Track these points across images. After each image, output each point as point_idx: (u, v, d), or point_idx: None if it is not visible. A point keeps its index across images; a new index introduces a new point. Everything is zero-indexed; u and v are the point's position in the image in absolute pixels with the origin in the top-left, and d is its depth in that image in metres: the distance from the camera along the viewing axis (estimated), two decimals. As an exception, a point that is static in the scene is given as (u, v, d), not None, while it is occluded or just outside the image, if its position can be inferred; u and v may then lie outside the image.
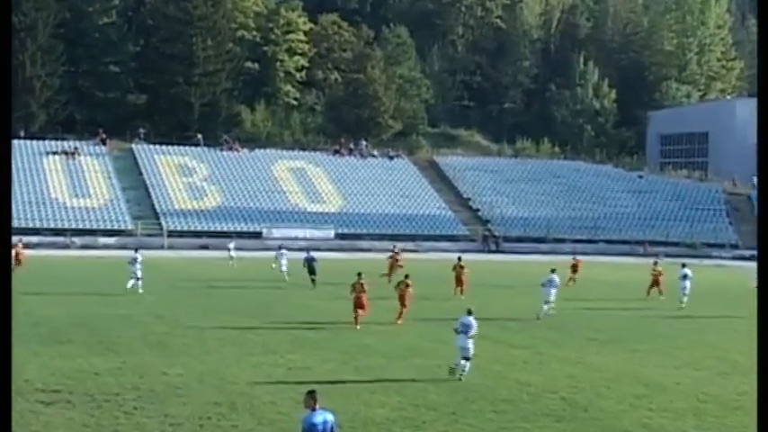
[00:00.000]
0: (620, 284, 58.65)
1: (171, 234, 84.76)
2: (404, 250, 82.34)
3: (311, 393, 14.65)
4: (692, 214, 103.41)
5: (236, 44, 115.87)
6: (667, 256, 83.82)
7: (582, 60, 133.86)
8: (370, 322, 35.68)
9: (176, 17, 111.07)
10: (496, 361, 27.68)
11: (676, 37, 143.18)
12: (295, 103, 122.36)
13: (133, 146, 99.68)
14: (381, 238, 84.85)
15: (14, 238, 57.26)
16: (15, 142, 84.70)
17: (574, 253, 71.01)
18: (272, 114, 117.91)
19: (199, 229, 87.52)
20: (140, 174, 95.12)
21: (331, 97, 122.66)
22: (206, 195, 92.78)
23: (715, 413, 22.53)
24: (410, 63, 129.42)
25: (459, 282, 47.24)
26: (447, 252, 78.22)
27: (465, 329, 25.83)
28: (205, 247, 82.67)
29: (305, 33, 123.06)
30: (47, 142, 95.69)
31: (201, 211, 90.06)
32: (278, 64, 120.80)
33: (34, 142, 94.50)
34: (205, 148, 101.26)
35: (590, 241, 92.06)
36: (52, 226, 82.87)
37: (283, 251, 56.90)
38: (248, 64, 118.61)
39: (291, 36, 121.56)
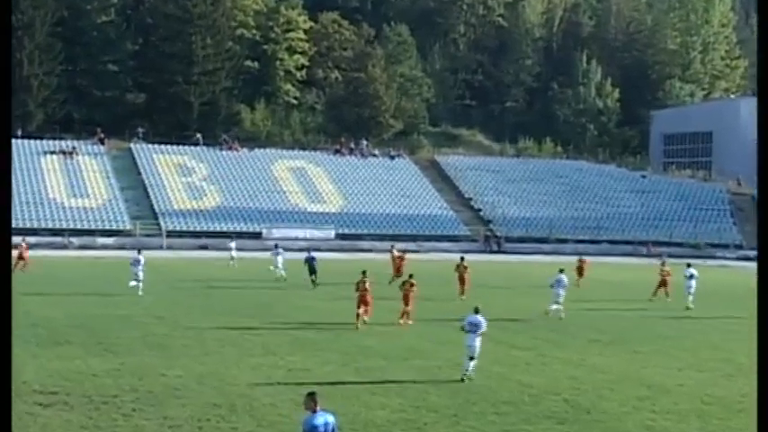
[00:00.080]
0: (623, 285, 58.66)
1: (170, 234, 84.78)
2: (405, 251, 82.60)
3: (311, 395, 14.62)
4: (695, 214, 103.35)
5: (235, 43, 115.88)
6: (671, 256, 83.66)
7: (585, 59, 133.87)
8: (370, 323, 35.70)
9: (175, 15, 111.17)
10: (498, 362, 27.67)
11: (680, 35, 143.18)
12: (295, 102, 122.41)
13: (132, 145, 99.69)
14: (382, 238, 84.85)
15: (18, 239, 57.66)
16: (13, 142, 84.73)
17: (577, 253, 71.01)
18: (272, 113, 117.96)
19: (198, 229, 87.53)
20: (139, 173, 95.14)
21: (331, 96, 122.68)
22: (205, 195, 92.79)
23: (719, 415, 22.52)
24: (411, 62, 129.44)
25: (461, 281, 47.38)
26: (448, 252, 78.19)
27: (473, 328, 25.84)
28: (204, 248, 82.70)
29: (305, 32, 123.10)
30: (44, 142, 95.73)
31: (201, 211, 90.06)
32: (278, 63, 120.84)
33: (32, 142, 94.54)
34: (204, 148, 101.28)
35: (593, 242, 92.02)
36: (50, 226, 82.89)
37: (279, 250, 57.09)
38: (248, 63, 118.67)
39: (291, 34, 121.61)
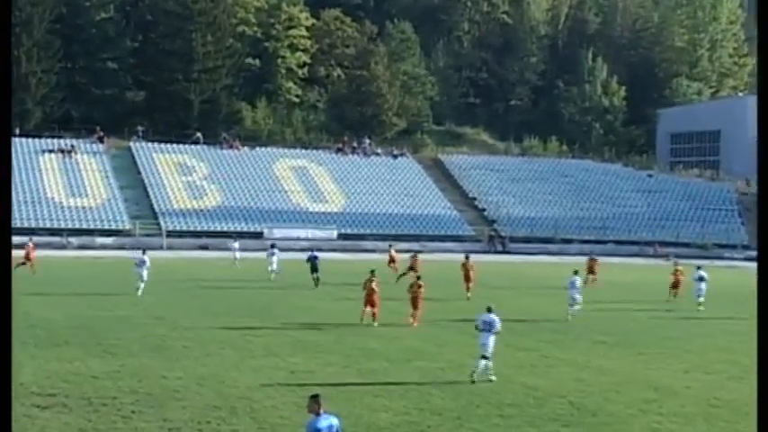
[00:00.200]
0: (629, 286, 58.65)
1: (170, 234, 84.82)
2: (408, 251, 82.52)
3: (315, 398, 14.60)
4: (703, 214, 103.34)
5: (236, 40, 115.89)
6: (678, 257, 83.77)
7: (590, 57, 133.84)
8: (372, 323, 35.74)
9: (175, 12, 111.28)
10: (502, 364, 27.65)
11: (687, 33, 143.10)
12: (297, 100, 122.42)
13: (131, 144, 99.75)
14: (385, 238, 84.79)
15: (24, 239, 57.94)
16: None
17: (583, 254, 71.04)
18: (274, 112, 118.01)
19: (198, 229, 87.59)
20: (138, 172, 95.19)
21: (333, 94, 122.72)
22: (206, 195, 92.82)
23: (726, 418, 22.52)
24: (414, 59, 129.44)
25: (467, 280, 47.59)
26: (452, 253, 78.17)
27: (487, 327, 25.89)
28: (205, 248, 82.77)
29: (307, 29, 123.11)
30: (43, 140, 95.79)
31: (201, 210, 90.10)
32: (279, 60, 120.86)
33: (30, 140, 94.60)
34: (205, 147, 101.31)
35: (599, 242, 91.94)
36: (48, 226, 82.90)
37: (274, 251, 57.31)
38: (249, 60, 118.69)
39: (293, 32, 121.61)
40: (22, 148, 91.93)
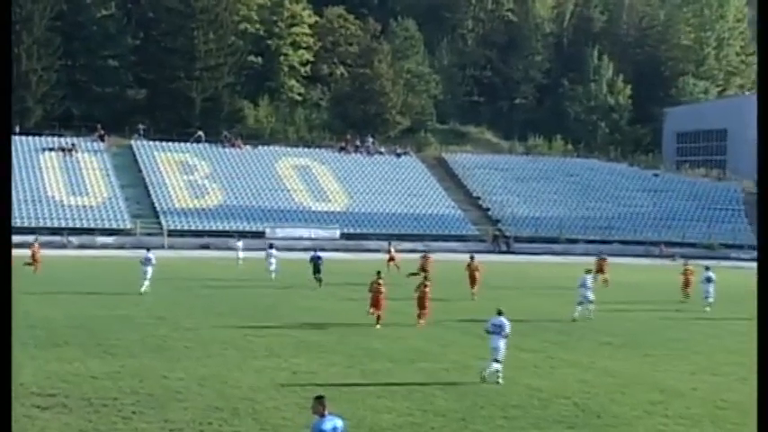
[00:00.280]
0: (635, 286, 58.60)
1: (171, 233, 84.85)
2: (412, 251, 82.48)
3: (320, 399, 14.58)
4: (709, 214, 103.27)
5: (238, 37, 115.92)
6: (684, 257, 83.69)
7: (596, 55, 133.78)
8: (375, 323, 35.73)
9: (177, 9, 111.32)
10: (506, 365, 27.55)
11: (694, 31, 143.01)
12: (299, 98, 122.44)
13: (132, 142, 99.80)
14: (388, 238, 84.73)
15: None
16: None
17: (588, 254, 71.02)
18: (276, 110, 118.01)
19: (200, 228, 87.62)
20: (140, 171, 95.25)
21: (337, 92, 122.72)
22: (207, 194, 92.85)
23: (734, 420, 22.48)
24: (418, 57, 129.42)
25: (472, 281, 47.70)
26: (456, 253, 78.12)
27: (497, 330, 25.92)
28: (206, 247, 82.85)
29: (310, 27, 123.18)
30: (43, 138, 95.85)
31: (203, 209, 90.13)
32: (282, 58, 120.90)
33: (30, 138, 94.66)
34: (207, 145, 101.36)
35: (604, 242, 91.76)
36: (48, 225, 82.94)
37: (272, 251, 57.42)
38: (251, 58, 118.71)
39: (296, 29, 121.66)
40: (22, 146, 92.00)
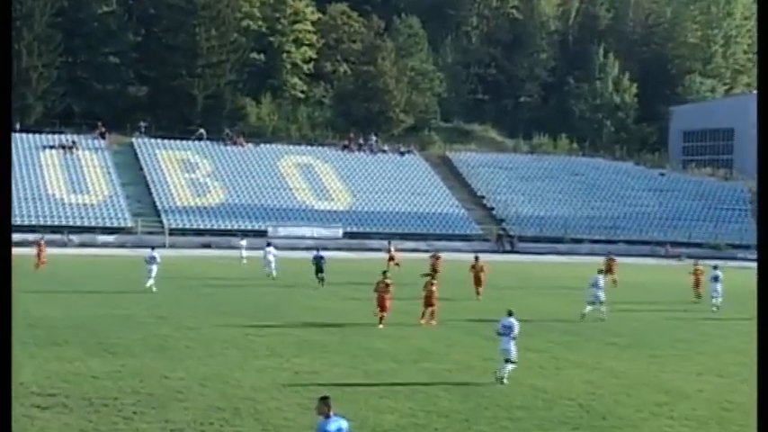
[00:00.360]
0: (641, 286, 58.56)
1: (172, 232, 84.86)
2: (414, 250, 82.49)
3: (325, 399, 14.58)
4: (716, 214, 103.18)
5: (241, 34, 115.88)
6: (690, 257, 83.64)
7: (602, 53, 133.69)
8: (378, 323, 35.74)
9: (179, 6, 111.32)
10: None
11: (701, 28, 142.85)
12: (302, 96, 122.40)
13: (133, 140, 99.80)
14: (391, 237, 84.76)
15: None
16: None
17: (594, 254, 71.02)
18: (279, 108, 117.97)
19: (201, 226, 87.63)
20: (141, 169, 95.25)
21: (340, 90, 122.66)
22: (209, 192, 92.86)
23: (740, 422, 22.46)
24: (422, 55, 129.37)
25: (477, 281, 47.77)
26: (460, 252, 78.10)
27: (507, 331, 25.98)
28: (208, 246, 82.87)
29: (313, 23, 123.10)
30: (43, 136, 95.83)
31: (204, 208, 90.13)
32: (284, 55, 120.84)
33: (30, 136, 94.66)
34: (208, 143, 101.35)
35: (609, 242, 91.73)
36: (49, 223, 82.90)
37: (270, 249, 57.49)
38: (254, 55, 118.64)
39: (299, 26, 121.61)
40: (22, 143, 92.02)
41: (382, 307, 36.38)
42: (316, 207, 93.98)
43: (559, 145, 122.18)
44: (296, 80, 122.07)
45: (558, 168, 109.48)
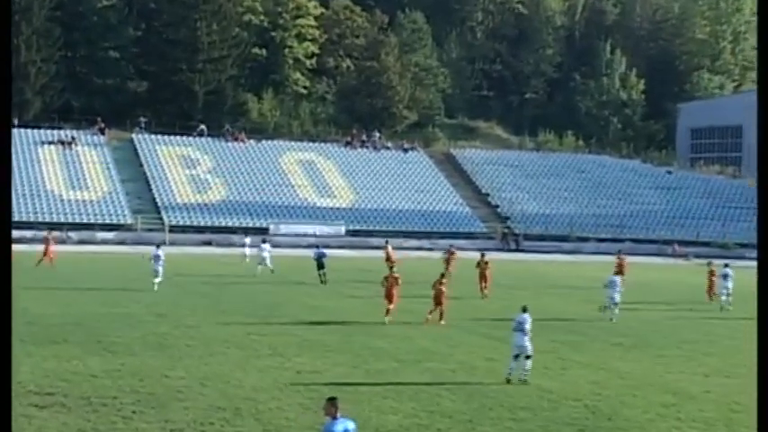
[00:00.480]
0: (647, 286, 58.51)
1: (173, 229, 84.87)
2: (418, 248, 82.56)
3: (332, 400, 14.62)
4: (724, 212, 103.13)
5: (242, 29, 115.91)
6: (697, 256, 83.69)
7: (608, 49, 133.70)
8: (381, 322, 35.76)
9: (179, 0, 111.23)
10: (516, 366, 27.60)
11: (709, 24, 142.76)
12: (305, 91, 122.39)
13: (133, 136, 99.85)
14: (395, 234, 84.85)
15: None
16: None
17: (599, 252, 70.96)
18: (281, 103, 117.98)
19: (202, 224, 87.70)
20: (141, 165, 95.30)
21: (343, 86, 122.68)
22: (210, 189, 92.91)
23: (747, 424, 22.42)
24: (426, 50, 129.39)
25: (483, 278, 47.88)
26: (464, 250, 77.97)
27: (521, 327, 26.02)
28: (208, 243, 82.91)
29: (315, 18, 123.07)
30: (42, 131, 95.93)
31: (205, 205, 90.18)
32: (287, 50, 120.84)
33: (29, 131, 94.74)
34: (209, 139, 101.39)
35: (615, 240, 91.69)
36: (47, 220, 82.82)
37: (265, 246, 57.81)
38: (255, 50, 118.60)
39: (301, 21, 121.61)
40: (20, 139, 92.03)
41: (389, 298, 36.51)
42: (318, 204, 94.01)
43: (565, 142, 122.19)
44: (298, 75, 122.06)
45: (564, 166, 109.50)
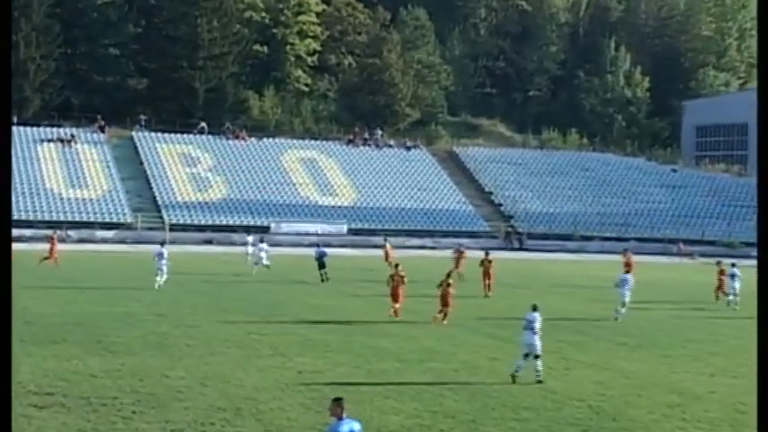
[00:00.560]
0: (652, 285, 58.45)
1: (173, 228, 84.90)
2: (421, 247, 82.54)
3: (338, 401, 14.63)
4: (729, 211, 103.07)
5: (243, 26, 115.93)
6: (703, 255, 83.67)
7: (613, 46, 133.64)
8: (383, 321, 35.77)
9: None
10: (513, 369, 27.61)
11: (715, 21, 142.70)
12: (306, 89, 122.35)
13: (133, 133, 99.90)
14: (397, 233, 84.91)
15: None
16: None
17: (604, 251, 70.91)
18: (282, 101, 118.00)
19: (203, 222, 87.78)
20: (141, 163, 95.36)
21: (344, 83, 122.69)
22: (211, 187, 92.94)
23: (753, 424, 22.36)
24: (429, 47, 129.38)
25: (486, 276, 47.95)
26: (467, 249, 77.94)
27: (530, 325, 26.05)
28: (209, 242, 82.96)
29: (317, 15, 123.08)
30: (41, 129, 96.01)
31: (206, 203, 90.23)
32: (288, 47, 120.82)
33: (28, 129, 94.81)
34: (210, 137, 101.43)
35: (620, 239, 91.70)
36: (47, 218, 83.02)
37: (262, 245, 57.97)
38: (256, 47, 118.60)
39: (303, 18, 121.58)
40: (20, 136, 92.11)
41: (395, 298, 36.57)
42: (319, 203, 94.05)
43: (569, 140, 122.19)
44: (300, 73, 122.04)
45: (568, 164, 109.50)
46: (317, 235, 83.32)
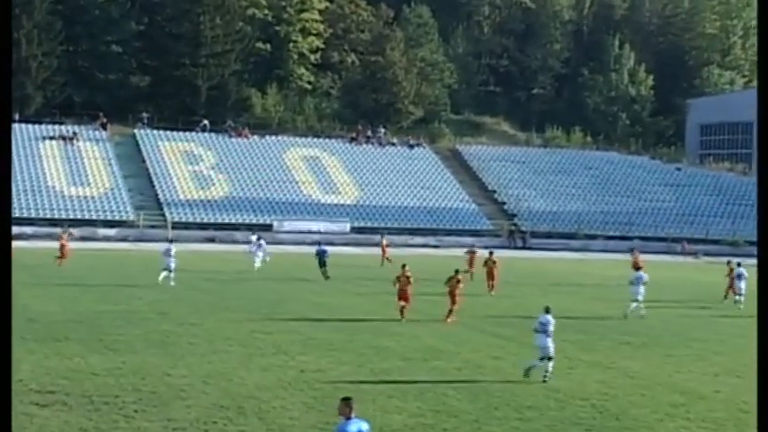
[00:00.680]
0: (656, 284, 58.35)
1: (175, 226, 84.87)
2: (423, 245, 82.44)
3: (347, 400, 14.61)
4: (734, 210, 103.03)
5: (246, 23, 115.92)
6: (707, 254, 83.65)
7: (617, 44, 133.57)
8: (386, 320, 35.76)
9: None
10: (522, 365, 27.60)
11: (719, 19, 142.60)
12: (309, 86, 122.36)
13: (135, 131, 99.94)
14: (400, 232, 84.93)
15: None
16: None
17: (607, 250, 70.88)
18: (285, 99, 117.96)
19: (205, 220, 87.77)
20: (143, 161, 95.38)
21: (347, 81, 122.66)
22: (213, 185, 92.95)
23: (756, 424, 22.41)
24: (432, 45, 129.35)
25: (490, 277, 47.97)
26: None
27: (544, 328, 26.06)
28: (211, 240, 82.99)
29: (320, 12, 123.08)
30: (43, 126, 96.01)
31: (208, 201, 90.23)
32: (291, 45, 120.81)
33: (30, 126, 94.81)
34: (212, 135, 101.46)
35: (624, 238, 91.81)
36: (48, 216, 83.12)
37: (261, 243, 58.48)
38: (259, 45, 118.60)
39: (306, 15, 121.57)
40: (21, 134, 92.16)
41: (404, 298, 36.56)
42: (322, 201, 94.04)
43: (573, 138, 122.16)
44: (302, 70, 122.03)
45: (572, 162, 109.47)
46: (320, 233, 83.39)
